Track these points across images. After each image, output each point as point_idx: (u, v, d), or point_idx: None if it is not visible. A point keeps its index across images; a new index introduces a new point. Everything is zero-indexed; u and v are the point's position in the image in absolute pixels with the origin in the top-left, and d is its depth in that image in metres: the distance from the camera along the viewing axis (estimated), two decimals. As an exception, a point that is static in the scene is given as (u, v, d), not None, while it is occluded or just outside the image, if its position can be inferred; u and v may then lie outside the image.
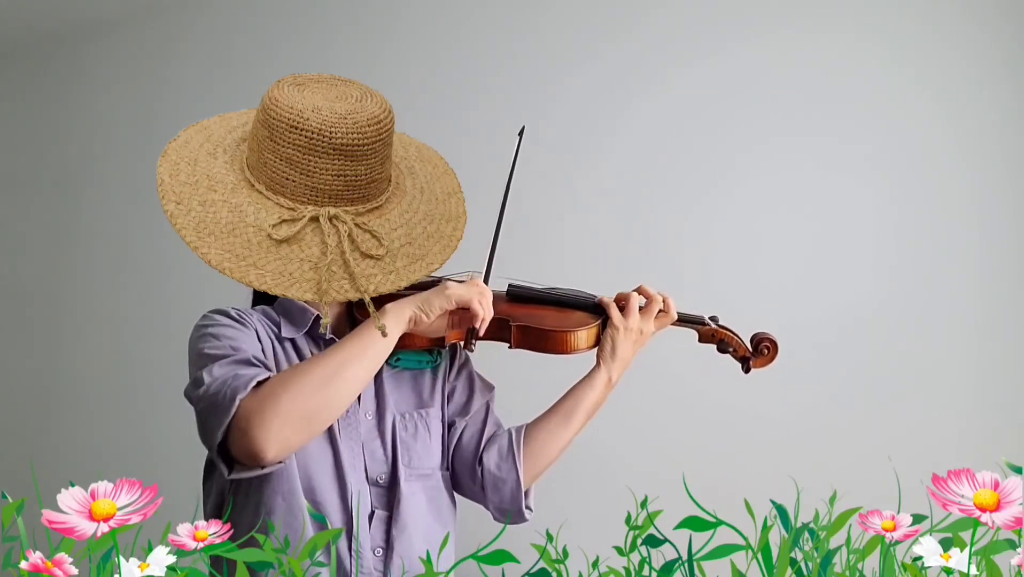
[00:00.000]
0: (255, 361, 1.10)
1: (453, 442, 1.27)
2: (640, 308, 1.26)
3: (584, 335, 1.24)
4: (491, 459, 1.25)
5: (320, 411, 1.07)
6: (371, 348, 1.10)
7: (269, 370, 1.11)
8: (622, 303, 1.26)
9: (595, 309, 1.27)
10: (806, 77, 2.03)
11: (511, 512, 1.25)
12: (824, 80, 2.01)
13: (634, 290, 1.27)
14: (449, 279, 1.32)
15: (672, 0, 2.19)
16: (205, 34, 2.93)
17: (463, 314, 1.16)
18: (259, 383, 1.06)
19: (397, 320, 1.12)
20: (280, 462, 1.07)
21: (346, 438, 1.17)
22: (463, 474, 1.27)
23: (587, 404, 1.25)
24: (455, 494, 1.28)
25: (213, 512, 1.18)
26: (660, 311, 1.26)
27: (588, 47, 2.28)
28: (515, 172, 1.28)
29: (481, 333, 1.17)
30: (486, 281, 1.22)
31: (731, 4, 2.13)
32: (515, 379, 1.41)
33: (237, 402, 1.03)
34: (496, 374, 1.37)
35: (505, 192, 1.26)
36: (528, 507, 1.26)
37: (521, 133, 1.32)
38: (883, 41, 1.98)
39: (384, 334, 1.16)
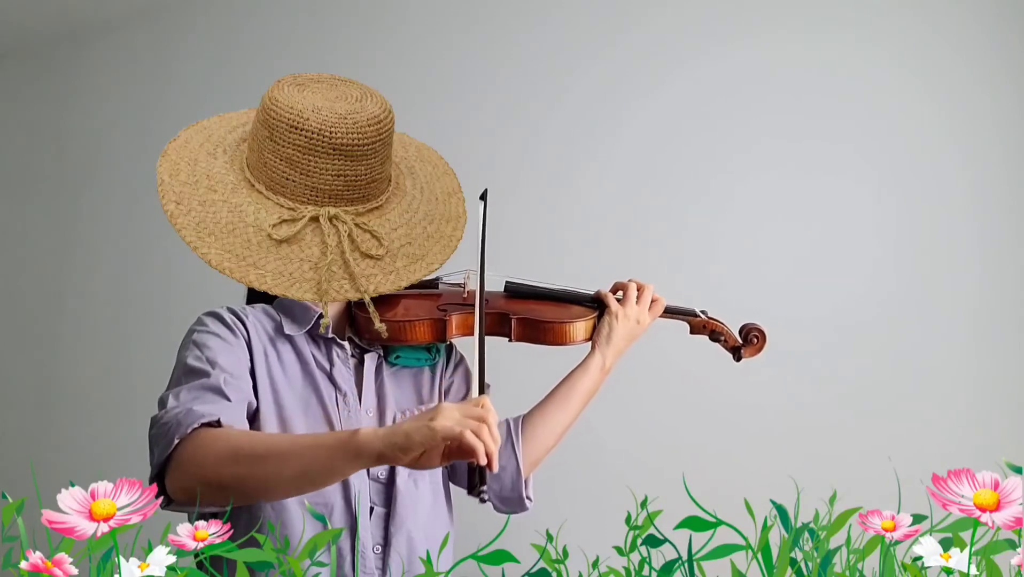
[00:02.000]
0: (222, 390, 1.07)
1: None
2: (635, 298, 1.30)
3: (582, 326, 1.27)
4: None
5: (233, 488, 0.97)
6: (326, 463, 0.96)
7: (243, 392, 1.09)
8: (619, 292, 1.32)
9: (591, 302, 1.32)
10: (806, 78, 2.03)
11: (512, 500, 1.26)
12: (824, 80, 2.01)
13: (628, 281, 1.32)
14: (445, 281, 1.33)
15: (672, 0, 2.19)
16: (205, 34, 2.93)
17: (462, 445, 0.92)
18: (204, 425, 1.01)
19: (358, 457, 0.94)
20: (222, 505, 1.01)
21: None
22: (463, 464, 1.27)
23: (582, 389, 1.28)
24: (452, 497, 1.28)
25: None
26: (652, 300, 1.31)
27: (588, 47, 2.28)
28: (487, 237, 1.16)
29: (493, 470, 0.92)
30: (480, 361, 1.08)
31: (731, 4, 2.13)
32: (514, 375, 1.41)
33: (175, 443, 1.00)
34: (496, 369, 1.36)
35: (481, 260, 1.16)
36: (528, 497, 1.27)
37: (484, 197, 1.20)
38: (883, 42, 1.98)
39: (384, 335, 1.16)
